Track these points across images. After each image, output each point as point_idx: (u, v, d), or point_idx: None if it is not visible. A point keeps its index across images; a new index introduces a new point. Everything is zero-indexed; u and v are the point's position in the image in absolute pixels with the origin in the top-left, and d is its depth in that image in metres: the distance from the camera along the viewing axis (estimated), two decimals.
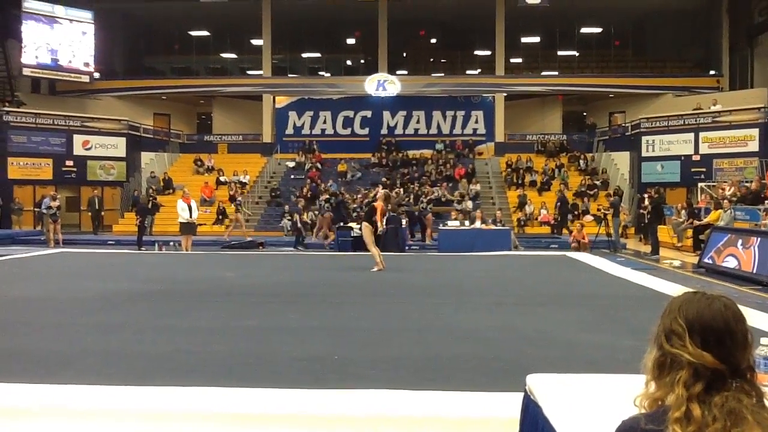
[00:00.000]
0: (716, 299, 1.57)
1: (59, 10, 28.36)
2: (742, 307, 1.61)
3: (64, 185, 26.04)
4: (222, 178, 27.81)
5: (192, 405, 4.33)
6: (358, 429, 4.05)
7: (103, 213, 24.82)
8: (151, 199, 23.35)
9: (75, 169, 26.31)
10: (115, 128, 27.68)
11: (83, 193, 26.96)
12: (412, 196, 24.05)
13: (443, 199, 25.10)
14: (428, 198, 24.25)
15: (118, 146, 27.37)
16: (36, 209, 22.82)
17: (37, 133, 25.76)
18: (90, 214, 24.54)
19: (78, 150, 26.47)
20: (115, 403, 4.36)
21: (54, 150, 25.95)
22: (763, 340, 2.15)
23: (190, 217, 17.36)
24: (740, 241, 12.68)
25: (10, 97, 27.56)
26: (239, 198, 24.35)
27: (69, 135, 26.36)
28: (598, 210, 20.78)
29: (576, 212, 24.02)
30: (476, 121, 31.45)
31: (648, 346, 1.62)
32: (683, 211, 19.30)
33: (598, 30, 31.79)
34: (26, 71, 27.97)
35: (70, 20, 28.74)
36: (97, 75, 30.06)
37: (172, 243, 19.00)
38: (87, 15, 29.05)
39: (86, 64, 29.24)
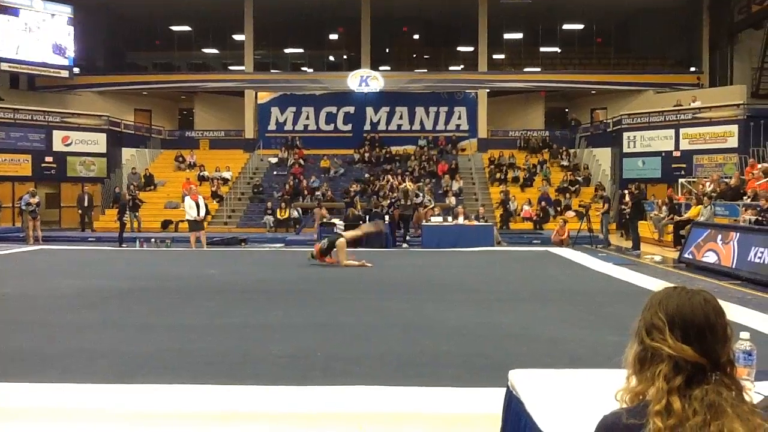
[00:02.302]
0: (696, 294, 1.59)
1: (38, 4, 28.00)
2: (721, 302, 1.63)
3: (43, 182, 25.75)
4: (202, 173, 27.61)
5: (175, 403, 4.31)
6: (343, 425, 4.05)
7: (93, 211, 24.35)
8: (131, 196, 23.17)
9: (55, 166, 26.02)
10: (95, 124, 27.41)
11: (64, 190, 26.70)
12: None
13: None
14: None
15: (98, 142, 27.11)
16: (19, 206, 22.43)
17: (15, 128, 25.45)
18: (79, 211, 24.04)
19: (58, 146, 26.19)
20: (97, 402, 4.33)
21: (33, 146, 25.66)
22: (743, 335, 2.18)
23: (198, 214, 17.35)
24: (720, 237, 12.82)
25: None
26: (318, 193, 23.89)
27: (48, 131, 26.08)
28: (580, 206, 20.93)
29: (558, 208, 24.18)
30: (459, 117, 31.52)
31: (629, 340, 1.63)
32: (664, 207, 19.48)
33: (581, 27, 31.96)
34: (4, 66, 27.58)
35: (50, 14, 28.39)
36: (77, 70, 29.74)
37: (153, 239, 18.88)
38: (67, 9, 28.71)
39: (66, 59, 28.90)
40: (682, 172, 23.30)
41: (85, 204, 23.77)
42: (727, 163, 22.61)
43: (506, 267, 13.00)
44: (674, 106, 25.83)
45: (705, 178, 20.60)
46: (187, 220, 17.82)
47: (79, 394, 4.46)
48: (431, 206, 19.60)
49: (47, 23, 28.33)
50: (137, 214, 23.07)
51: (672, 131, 24.56)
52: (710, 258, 12.81)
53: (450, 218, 19.28)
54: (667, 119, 25.06)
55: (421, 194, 20.87)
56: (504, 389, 3.14)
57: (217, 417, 4.15)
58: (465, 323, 7.17)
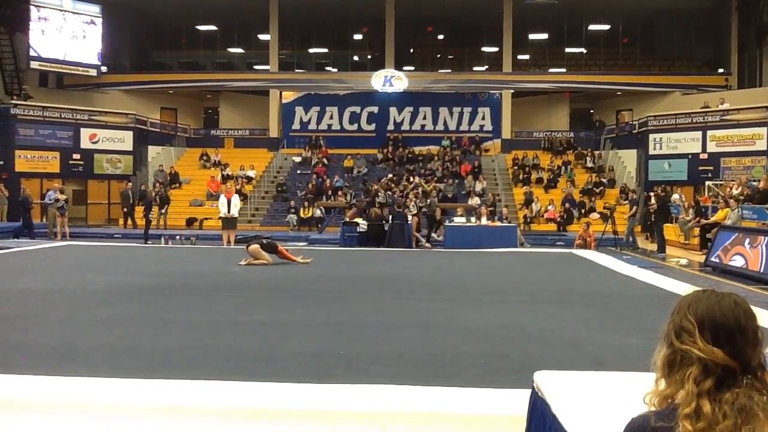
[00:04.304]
0: (726, 296, 1.57)
1: (67, 3, 28.39)
2: (751, 306, 1.60)
3: (71, 179, 26.11)
4: (225, 172, 27.72)
5: (199, 399, 4.34)
6: (364, 424, 4.05)
7: (136, 207, 23.06)
8: (157, 193, 23.34)
9: (82, 163, 26.36)
10: (122, 122, 27.72)
11: (90, 187, 27.06)
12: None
13: (449, 195, 25.09)
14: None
15: (125, 140, 27.41)
16: (41, 201, 22.56)
17: (44, 126, 25.83)
18: (124, 209, 23.16)
19: (85, 143, 26.53)
20: (122, 396, 4.37)
21: (61, 143, 26.02)
22: None
23: (228, 212, 17.53)
24: (747, 240, 12.63)
25: (18, 90, 27.62)
26: (383, 193, 23.53)
27: (76, 128, 26.42)
28: (605, 208, 20.75)
29: (582, 210, 23.99)
30: (483, 118, 31.40)
31: (656, 344, 1.61)
32: (690, 210, 19.24)
33: (606, 27, 31.67)
34: (34, 65, 27.99)
35: (78, 14, 28.76)
36: (104, 69, 30.10)
37: (178, 237, 19.06)
38: (95, 9, 29.07)
39: (94, 58, 29.27)
40: (709, 175, 22.99)
41: (130, 201, 22.71)
42: (756, 165, 22.27)
43: (529, 268, 12.93)
44: (701, 107, 25.51)
45: (732, 180, 20.31)
46: (220, 218, 18.08)
47: (104, 388, 4.50)
48: (414, 213, 19.44)
49: (75, 22, 28.69)
50: (163, 211, 23.16)
51: (699, 133, 24.24)
52: (737, 262, 12.63)
53: (473, 219, 19.20)
54: (694, 121, 24.74)
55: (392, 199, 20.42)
56: (526, 390, 3.12)
57: (239, 413, 4.17)
58: (487, 324, 7.14)
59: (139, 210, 22.13)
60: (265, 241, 12.99)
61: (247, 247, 12.75)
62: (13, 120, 25.31)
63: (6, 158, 25.00)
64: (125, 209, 22.99)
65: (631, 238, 18.65)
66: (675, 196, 20.90)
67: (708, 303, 1.55)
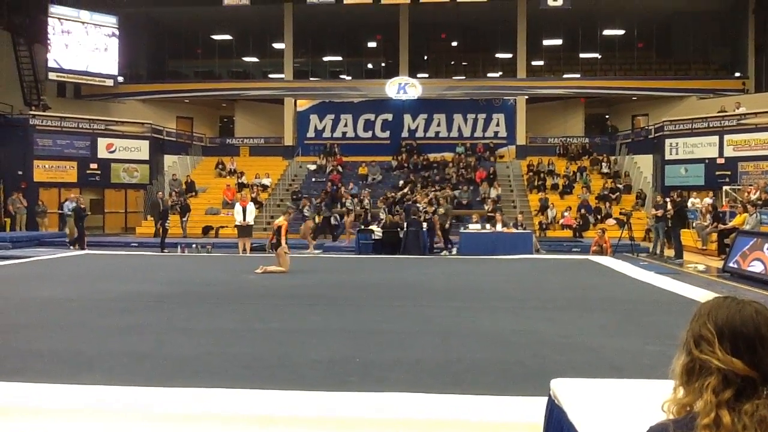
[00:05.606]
0: (747, 304, 1.55)
1: (85, 15, 28.73)
2: None
3: (88, 188, 26.34)
4: (241, 181, 27.84)
5: (214, 406, 4.35)
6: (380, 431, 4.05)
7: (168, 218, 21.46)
8: (176, 202, 23.46)
9: (99, 172, 26.59)
10: (138, 131, 27.95)
11: (107, 196, 27.29)
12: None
13: (464, 202, 25.05)
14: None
15: (141, 149, 27.63)
16: (59, 211, 22.72)
17: (62, 136, 26.10)
18: (151, 217, 22.73)
19: (102, 153, 26.77)
20: (140, 404, 4.40)
21: (79, 153, 26.27)
22: None
23: (244, 220, 17.63)
24: (766, 246, 12.50)
25: (37, 101, 27.94)
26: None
27: (93, 138, 26.68)
28: (621, 213, 20.59)
29: (598, 216, 23.85)
30: (497, 124, 31.33)
31: (675, 351, 1.60)
32: (708, 215, 19.07)
33: (621, 32, 31.53)
34: (52, 75, 28.32)
35: (96, 25, 29.09)
36: (121, 79, 30.40)
37: (195, 245, 19.15)
38: (112, 20, 29.40)
39: (113, 69, 29.58)
40: (727, 180, 22.80)
41: (161, 209, 21.06)
42: None
43: (545, 275, 12.86)
44: (718, 112, 25.32)
45: (750, 185, 20.12)
46: (236, 226, 18.21)
47: (121, 396, 4.53)
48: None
49: (93, 33, 29.01)
50: (185, 219, 23.25)
51: (716, 138, 24.05)
52: (756, 267, 12.49)
53: (488, 225, 19.15)
54: (710, 126, 24.54)
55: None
56: (543, 398, 3.11)
57: (254, 421, 4.18)
58: (503, 331, 7.12)
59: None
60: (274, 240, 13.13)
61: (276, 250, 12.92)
62: (31, 130, 25.61)
63: (25, 168, 25.29)
64: (154, 216, 22.79)
65: (665, 242, 18.05)
66: (707, 200, 20.57)
67: (728, 311, 1.53)
